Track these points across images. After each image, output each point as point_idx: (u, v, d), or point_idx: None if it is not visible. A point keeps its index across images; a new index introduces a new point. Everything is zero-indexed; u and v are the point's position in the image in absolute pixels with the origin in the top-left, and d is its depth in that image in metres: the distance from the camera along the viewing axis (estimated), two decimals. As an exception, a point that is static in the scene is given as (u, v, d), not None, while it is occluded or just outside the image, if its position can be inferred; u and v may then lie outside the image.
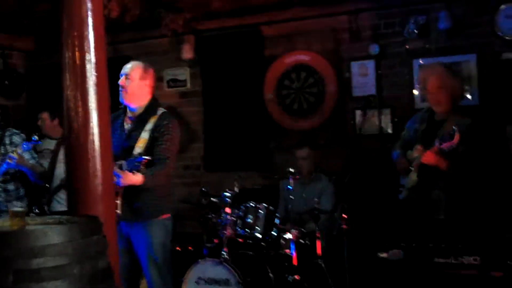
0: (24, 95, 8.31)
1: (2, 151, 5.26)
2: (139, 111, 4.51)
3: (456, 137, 4.27)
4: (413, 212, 4.75)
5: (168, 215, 4.57)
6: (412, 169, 4.72)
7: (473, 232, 4.45)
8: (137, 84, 4.45)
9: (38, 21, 7.25)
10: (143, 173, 4.14)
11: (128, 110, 4.56)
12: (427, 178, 4.65)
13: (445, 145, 4.35)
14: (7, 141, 5.31)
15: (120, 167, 4.12)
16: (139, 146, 4.36)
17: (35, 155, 5.38)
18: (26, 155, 5.22)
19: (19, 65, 8.31)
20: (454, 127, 4.29)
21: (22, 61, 8.34)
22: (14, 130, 5.47)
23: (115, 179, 4.03)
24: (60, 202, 5.91)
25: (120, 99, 4.48)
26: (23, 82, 8.28)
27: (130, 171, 4.09)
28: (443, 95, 4.73)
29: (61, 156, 6.03)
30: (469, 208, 4.60)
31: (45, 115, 6.46)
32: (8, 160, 5.06)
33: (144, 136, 4.39)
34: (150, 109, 4.51)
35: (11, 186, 5.32)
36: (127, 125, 4.52)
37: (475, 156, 4.50)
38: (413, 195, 4.76)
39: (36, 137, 5.09)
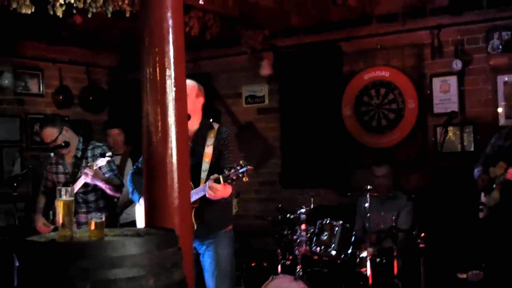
0: (107, 110, 8.55)
1: (84, 164, 5.38)
2: (195, 128, 4.55)
3: None
4: (495, 231, 4.60)
5: (231, 226, 4.60)
6: (494, 186, 4.57)
7: None
8: (193, 102, 4.49)
9: (121, 38, 7.48)
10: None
11: None
12: (511, 196, 4.50)
13: None
14: (89, 154, 5.44)
15: (218, 181, 4.13)
16: (206, 161, 4.41)
17: (114, 167, 5.48)
18: (103, 169, 5.33)
19: (103, 81, 8.59)
20: None
21: (105, 77, 8.62)
22: (97, 143, 5.59)
23: (213, 193, 4.07)
24: (128, 214, 6.03)
25: None
26: (106, 97, 8.54)
27: (231, 182, 4.13)
28: None
29: (127, 170, 6.17)
30: None
31: (116, 131, 6.62)
32: (83, 176, 5.19)
33: (208, 151, 4.44)
34: (206, 125, 4.57)
35: (91, 197, 5.43)
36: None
37: None
38: (495, 213, 4.60)
39: (110, 153, 5.22)
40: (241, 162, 4.11)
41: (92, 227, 2.92)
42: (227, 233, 4.55)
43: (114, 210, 5.68)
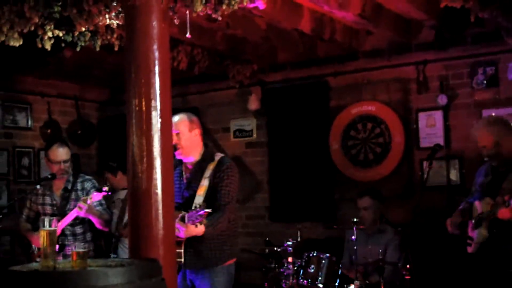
0: (95, 144, 8.56)
1: (73, 197, 5.38)
2: (196, 159, 4.54)
3: None
4: (484, 266, 4.61)
5: (232, 261, 4.53)
6: (482, 223, 4.61)
7: None
8: (188, 137, 4.48)
9: (110, 72, 7.53)
10: (205, 224, 4.13)
11: (184, 161, 4.60)
12: (499, 232, 4.53)
13: None
14: (78, 187, 5.44)
15: (183, 220, 4.13)
16: (200, 194, 4.36)
17: (103, 202, 5.48)
18: (95, 203, 5.33)
19: (91, 115, 8.61)
20: None
21: (94, 111, 8.64)
22: (86, 176, 5.60)
23: (177, 231, 4.07)
24: (124, 248, 6.01)
25: (176, 157, 4.45)
26: (95, 131, 8.56)
27: (193, 223, 4.09)
28: (494, 149, 4.69)
29: None
30: None
31: (108, 175, 6.63)
32: (77, 209, 5.19)
33: (204, 183, 4.40)
34: (207, 156, 4.54)
35: (79, 230, 5.42)
36: (186, 175, 4.56)
37: None
38: (483, 249, 4.62)
39: (106, 188, 5.23)
40: (201, 204, 4.09)
41: (75, 257, 2.93)
42: (224, 268, 4.48)
43: (101, 243, 5.65)
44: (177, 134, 4.40)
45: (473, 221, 4.79)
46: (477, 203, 4.80)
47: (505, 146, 4.72)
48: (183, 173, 4.55)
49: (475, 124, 5.23)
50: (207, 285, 4.41)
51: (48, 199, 5.47)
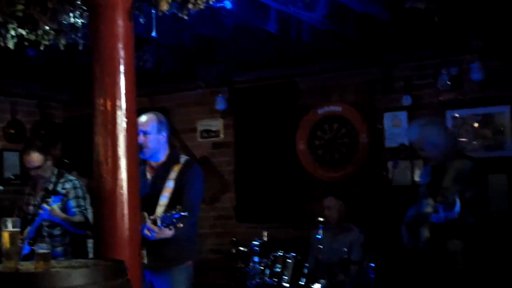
0: (60, 145, 8.46)
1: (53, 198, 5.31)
2: (161, 161, 4.52)
3: (457, 207, 4.37)
4: (433, 264, 4.73)
5: (191, 262, 4.54)
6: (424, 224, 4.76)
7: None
8: (155, 138, 4.45)
9: (75, 72, 7.44)
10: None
11: (149, 161, 4.54)
12: (439, 233, 4.71)
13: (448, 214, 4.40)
14: (59, 187, 5.35)
15: (155, 223, 4.10)
16: (165, 196, 4.35)
17: (82, 204, 5.37)
18: (70, 204, 5.26)
19: (57, 116, 8.51)
20: (455, 198, 4.40)
21: (59, 111, 8.54)
22: (69, 177, 5.49)
23: (148, 233, 4.06)
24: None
25: (141, 156, 4.39)
26: (59, 132, 8.46)
27: (167, 226, 4.08)
28: (426, 151, 4.90)
29: None
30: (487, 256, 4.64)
31: (74, 174, 6.55)
32: (40, 211, 5.13)
33: (170, 185, 4.37)
34: (172, 158, 4.52)
35: (57, 231, 5.33)
36: (150, 175, 4.52)
37: (483, 199, 4.52)
38: (428, 247, 4.78)
39: (63, 191, 5.17)
40: (178, 207, 4.08)
41: (38, 258, 2.89)
42: (185, 268, 4.47)
43: (82, 245, 5.53)
44: (145, 134, 4.38)
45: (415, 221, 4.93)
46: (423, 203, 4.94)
47: (440, 147, 4.88)
48: (147, 172, 4.52)
49: (410, 127, 5.38)
50: (167, 285, 4.41)
51: (31, 200, 5.41)
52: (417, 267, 4.87)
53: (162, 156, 4.50)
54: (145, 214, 4.20)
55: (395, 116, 6.72)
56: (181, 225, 4.03)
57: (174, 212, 4.02)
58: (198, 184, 4.47)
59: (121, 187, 3.49)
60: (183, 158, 4.53)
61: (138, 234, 3.62)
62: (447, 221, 4.58)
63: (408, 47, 6.61)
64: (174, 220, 4.00)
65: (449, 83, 6.45)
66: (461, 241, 4.67)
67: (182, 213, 4.01)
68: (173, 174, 4.40)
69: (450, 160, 4.85)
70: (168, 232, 4.13)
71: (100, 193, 3.52)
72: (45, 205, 5.08)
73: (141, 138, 4.31)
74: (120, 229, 3.47)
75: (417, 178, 6.34)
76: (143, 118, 4.42)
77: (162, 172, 4.45)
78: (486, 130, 6.31)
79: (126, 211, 3.49)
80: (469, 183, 4.47)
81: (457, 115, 6.45)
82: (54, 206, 5.12)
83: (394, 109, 6.74)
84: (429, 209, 4.75)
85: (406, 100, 6.63)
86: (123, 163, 3.51)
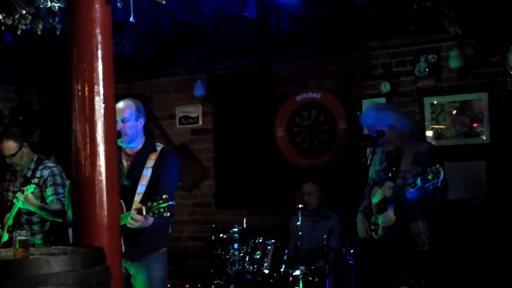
0: (38, 131, 8.38)
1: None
2: (138, 148, 4.49)
3: (441, 174, 4.38)
4: (396, 247, 4.79)
5: (165, 248, 4.54)
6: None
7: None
8: (133, 124, 4.43)
9: (52, 57, 7.36)
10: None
11: (124, 148, 4.50)
12: (405, 213, 4.78)
13: (429, 184, 4.44)
14: (38, 174, 5.31)
15: (140, 212, 4.09)
16: (142, 184, 4.33)
17: (61, 191, 5.32)
18: (48, 192, 5.22)
19: (34, 102, 8.42)
20: (438, 165, 4.40)
21: (37, 97, 8.46)
22: (48, 164, 5.42)
23: (134, 223, 4.06)
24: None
25: (119, 143, 4.33)
26: (37, 118, 8.37)
27: (152, 215, 4.08)
28: (384, 136, 4.93)
29: None
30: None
31: (52, 159, 6.50)
32: (15, 200, 5.10)
33: (146, 173, 4.36)
34: (148, 146, 4.50)
35: (35, 219, 5.28)
36: (126, 162, 4.49)
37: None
38: (392, 231, 4.83)
39: (35, 180, 5.14)
40: (164, 196, 4.07)
41: (17, 245, 2.87)
42: (160, 255, 4.47)
43: (62, 233, 5.49)
44: (123, 120, 4.35)
45: (375, 208, 4.96)
46: (375, 190, 4.98)
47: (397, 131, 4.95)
48: (123, 160, 4.48)
49: (364, 112, 5.43)
50: (143, 272, 4.40)
51: (11, 186, 5.37)
52: (384, 254, 4.92)
53: (139, 143, 4.48)
54: (122, 202, 4.18)
55: (373, 103, 6.71)
56: (168, 214, 4.04)
57: (161, 201, 4.02)
58: (174, 173, 4.46)
59: (100, 174, 3.47)
60: (159, 146, 4.51)
61: (117, 221, 3.60)
62: (424, 195, 4.61)
63: (386, 34, 6.63)
64: (162, 209, 4.01)
65: (427, 70, 6.48)
66: (428, 220, 4.75)
67: (170, 202, 4.02)
68: (150, 163, 4.38)
69: (406, 145, 4.93)
70: (150, 221, 4.13)
71: (78, 180, 3.50)
72: (19, 194, 5.04)
73: (119, 125, 4.28)
74: (98, 216, 3.45)
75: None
76: (121, 105, 4.38)
77: (138, 160, 4.42)
78: (464, 117, 6.36)
79: (104, 197, 3.47)
80: (430, 163, 4.52)
81: (435, 102, 6.48)
82: (28, 195, 5.07)
83: (372, 96, 6.76)
84: (389, 193, 4.80)
85: (385, 87, 6.65)
86: (101, 149, 3.48)
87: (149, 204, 4.06)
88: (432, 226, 4.78)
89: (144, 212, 4.05)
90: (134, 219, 4.05)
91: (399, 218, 4.77)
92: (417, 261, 4.70)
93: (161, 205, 4.01)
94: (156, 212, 4.03)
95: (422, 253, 4.75)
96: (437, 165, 4.40)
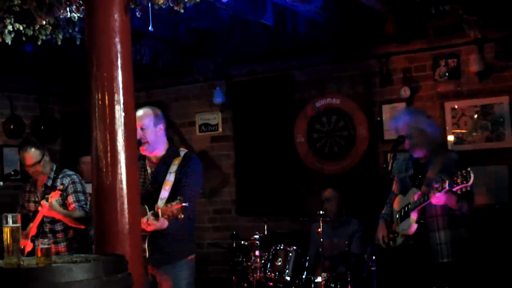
0: (60, 140, 8.45)
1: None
2: (161, 154, 4.52)
3: (472, 179, 4.21)
4: (416, 257, 4.70)
5: (193, 256, 4.54)
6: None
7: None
8: (153, 132, 4.46)
9: (73, 66, 7.43)
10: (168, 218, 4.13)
11: (148, 156, 4.51)
12: (427, 221, 4.65)
13: (458, 188, 4.28)
14: (58, 183, 5.34)
15: (156, 216, 4.11)
16: (165, 189, 4.35)
17: (82, 198, 5.35)
18: (70, 199, 5.26)
19: (55, 110, 8.49)
20: (469, 169, 4.24)
21: (58, 106, 8.53)
22: (68, 172, 5.46)
23: (149, 227, 4.08)
24: None
25: (142, 152, 4.42)
26: (59, 127, 8.45)
27: (167, 218, 4.09)
28: (413, 141, 4.76)
29: None
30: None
31: (88, 159, 6.52)
32: (40, 208, 5.13)
33: (170, 178, 4.38)
34: (171, 151, 4.53)
35: (58, 227, 5.31)
36: (150, 169, 4.52)
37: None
38: (410, 240, 4.71)
39: (60, 187, 5.17)
40: (178, 198, 4.09)
41: (39, 253, 2.89)
42: (187, 263, 4.47)
43: (85, 241, 5.52)
44: (142, 128, 4.38)
45: (397, 215, 4.85)
46: (399, 197, 4.87)
47: (426, 137, 4.78)
48: (147, 167, 4.52)
49: (397, 116, 5.28)
50: (169, 280, 4.40)
51: (32, 196, 5.40)
52: (402, 263, 4.81)
53: (162, 150, 4.50)
54: (146, 207, 4.21)
55: (393, 108, 6.70)
56: (182, 215, 4.05)
57: (174, 203, 4.03)
58: (198, 177, 4.48)
59: (121, 181, 3.48)
60: (183, 151, 4.54)
61: (138, 228, 3.61)
62: (450, 202, 4.46)
63: (404, 38, 6.60)
64: (175, 211, 4.02)
65: (447, 74, 6.44)
66: (450, 231, 4.61)
67: (184, 204, 4.03)
68: (174, 168, 4.41)
69: (435, 152, 4.76)
70: (165, 224, 4.15)
71: (99, 187, 3.51)
72: (44, 202, 5.08)
73: (139, 133, 4.31)
74: (120, 223, 3.46)
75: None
76: (139, 113, 4.41)
77: (162, 166, 4.45)
78: (485, 121, 6.30)
79: (125, 205, 3.49)
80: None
81: (456, 107, 6.44)
82: (53, 202, 5.11)
83: (392, 101, 6.73)
84: (413, 199, 4.67)
85: (404, 92, 6.62)
86: (122, 157, 3.50)
87: (163, 206, 4.08)
88: (455, 238, 4.61)
89: (160, 215, 4.06)
90: (150, 223, 4.07)
91: (420, 227, 4.66)
92: (435, 272, 4.59)
93: (175, 207, 4.02)
94: (170, 215, 4.04)
95: (440, 265, 4.60)
96: (468, 169, 4.25)
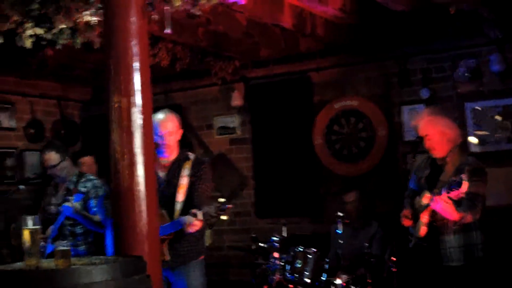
0: (79, 144, 8.51)
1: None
2: (172, 158, 4.55)
3: (464, 185, 4.13)
4: (423, 260, 4.64)
5: (203, 256, 4.60)
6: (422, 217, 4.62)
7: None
8: (175, 136, 4.53)
9: (92, 71, 7.49)
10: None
11: (159, 159, 4.53)
12: (436, 225, 4.56)
13: (452, 194, 4.21)
14: (80, 187, 5.38)
15: (195, 217, 4.15)
16: (180, 193, 4.40)
17: (103, 202, 5.39)
18: (91, 203, 5.29)
19: (75, 115, 8.56)
20: (462, 176, 4.17)
21: (78, 110, 8.59)
22: (90, 177, 5.49)
23: (189, 229, 4.16)
24: None
25: (161, 155, 4.49)
26: (78, 131, 8.51)
27: (208, 219, 4.14)
28: (433, 141, 4.66)
29: None
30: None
31: (89, 160, 6.55)
32: (62, 209, 5.16)
33: (183, 182, 4.44)
34: (182, 155, 4.57)
35: (79, 230, 5.34)
36: (162, 173, 4.54)
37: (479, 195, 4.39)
38: (424, 242, 4.64)
39: (82, 189, 5.22)
40: (220, 200, 4.13)
41: (58, 255, 2.91)
42: (198, 263, 4.55)
43: (105, 245, 5.55)
44: (167, 133, 4.44)
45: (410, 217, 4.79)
46: (417, 199, 4.80)
47: (447, 138, 4.71)
48: (159, 171, 4.51)
49: (418, 114, 5.19)
50: (184, 280, 4.46)
51: (53, 200, 5.44)
52: (416, 264, 4.75)
53: (174, 153, 4.55)
54: (164, 211, 4.25)
55: (413, 109, 6.65)
56: (225, 217, 4.10)
57: (218, 205, 4.08)
58: (209, 180, 4.56)
59: (138, 184, 3.50)
60: (192, 155, 4.59)
61: (156, 230, 3.63)
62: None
63: (424, 39, 6.56)
64: (220, 212, 4.07)
65: (467, 75, 6.38)
66: (461, 235, 4.51)
67: (228, 205, 4.08)
68: (185, 171, 4.46)
69: (453, 154, 4.66)
70: (201, 224, 4.22)
71: (117, 190, 3.53)
72: (67, 204, 5.12)
73: (164, 138, 4.38)
74: (138, 225, 3.48)
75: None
76: (164, 118, 4.47)
77: (174, 170, 4.49)
78: (506, 122, 6.24)
79: (144, 207, 3.51)
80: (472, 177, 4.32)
81: (477, 107, 6.38)
82: (76, 204, 5.15)
83: (411, 102, 6.69)
84: (424, 202, 4.60)
85: (424, 93, 6.58)
86: (139, 159, 3.52)
87: (207, 209, 4.14)
88: (466, 243, 4.53)
89: (200, 217, 4.10)
90: (194, 225, 4.14)
91: (432, 229, 4.60)
92: (444, 275, 4.52)
93: (221, 208, 4.10)
94: (213, 216, 4.11)
95: (450, 268, 4.53)
96: (462, 175, 4.14)
